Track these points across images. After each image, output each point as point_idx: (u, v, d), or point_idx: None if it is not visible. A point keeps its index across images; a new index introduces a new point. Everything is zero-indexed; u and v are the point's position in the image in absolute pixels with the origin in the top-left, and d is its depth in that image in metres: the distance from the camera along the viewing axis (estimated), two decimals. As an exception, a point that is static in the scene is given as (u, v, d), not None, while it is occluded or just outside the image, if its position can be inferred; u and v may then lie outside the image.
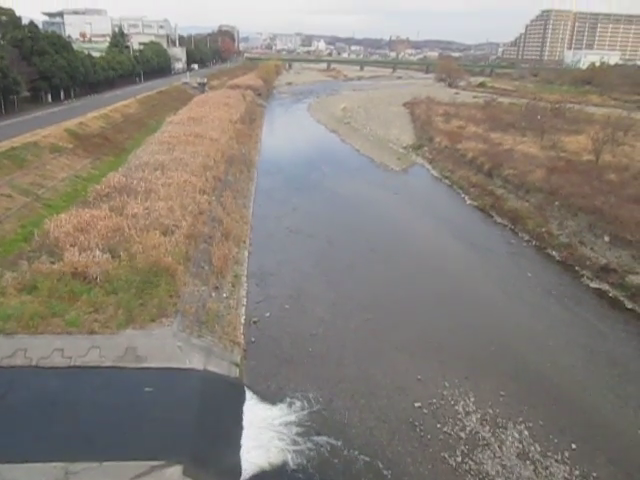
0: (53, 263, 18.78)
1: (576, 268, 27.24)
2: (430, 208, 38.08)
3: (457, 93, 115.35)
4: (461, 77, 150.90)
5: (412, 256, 29.20)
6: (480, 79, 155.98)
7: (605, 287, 25.11)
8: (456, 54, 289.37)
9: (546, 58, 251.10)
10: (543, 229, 31.36)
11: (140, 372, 14.73)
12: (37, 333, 15.47)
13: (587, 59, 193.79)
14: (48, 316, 16.06)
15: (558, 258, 28.67)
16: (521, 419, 16.06)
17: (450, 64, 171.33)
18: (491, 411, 16.37)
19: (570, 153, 45.45)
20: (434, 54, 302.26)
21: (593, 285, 25.52)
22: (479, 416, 16.13)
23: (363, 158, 53.86)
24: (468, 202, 39.09)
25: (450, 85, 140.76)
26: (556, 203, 32.63)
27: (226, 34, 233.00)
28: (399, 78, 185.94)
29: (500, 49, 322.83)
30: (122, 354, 15.16)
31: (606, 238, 27.55)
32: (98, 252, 19.60)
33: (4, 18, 64.57)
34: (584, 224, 29.54)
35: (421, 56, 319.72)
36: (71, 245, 20.02)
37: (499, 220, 34.86)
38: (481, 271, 27.49)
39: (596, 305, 23.86)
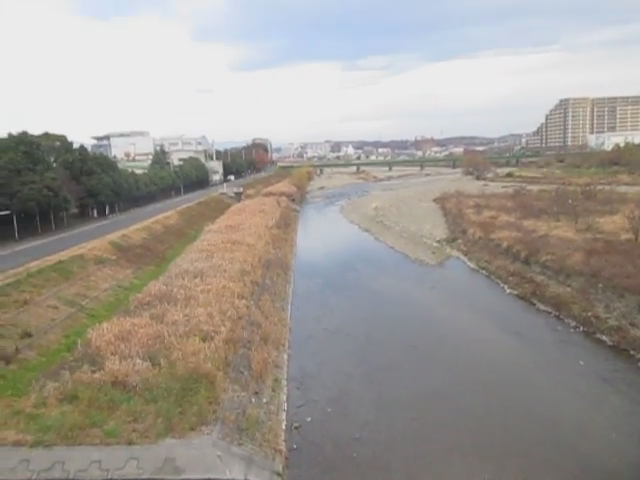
0: (94, 372, 18.95)
1: (631, 352, 25.72)
2: (470, 300, 37.36)
3: (486, 185, 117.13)
4: (488, 169, 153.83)
5: (455, 350, 28.23)
6: (507, 170, 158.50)
7: (666, 372, 23.55)
8: (480, 148, 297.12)
9: (570, 144, 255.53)
10: (589, 313, 30.18)
11: (179, 484, 14.21)
12: (75, 445, 15.27)
13: (611, 141, 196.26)
14: (87, 426, 15.95)
15: (609, 343, 27.24)
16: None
17: (476, 157, 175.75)
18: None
19: (607, 234, 44.66)
20: (459, 150, 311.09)
21: (652, 370, 23.97)
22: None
23: (398, 254, 54.12)
24: (508, 291, 38.28)
25: (478, 178, 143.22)
26: (599, 285, 31.63)
27: (260, 146, 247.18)
28: (427, 175, 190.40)
29: (523, 139, 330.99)
30: (161, 465, 14.73)
31: (658, 319, 26.26)
32: (138, 360, 19.75)
33: (58, 144, 70.78)
34: (632, 305, 28.33)
35: (447, 153, 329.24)
36: (112, 354, 20.29)
37: (542, 307, 33.81)
38: (529, 361, 26.28)
39: (659, 392, 22.26)
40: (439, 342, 29.30)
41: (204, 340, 22.39)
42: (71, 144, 73.98)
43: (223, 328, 23.94)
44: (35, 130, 64.46)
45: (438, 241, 58.42)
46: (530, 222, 53.95)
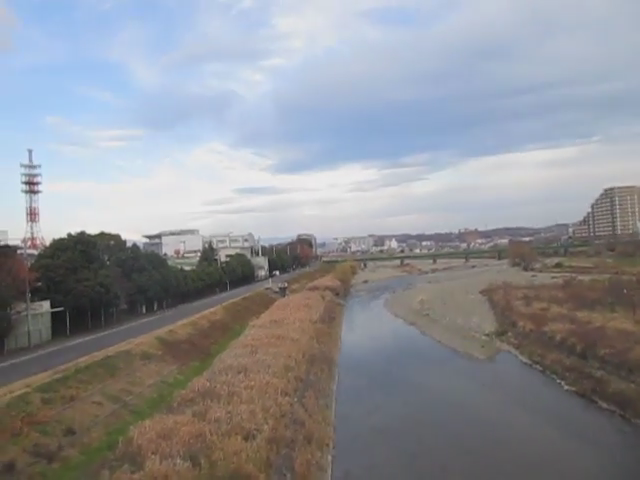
0: (133, 472, 18.46)
1: None
2: (525, 398, 35.22)
3: (534, 276, 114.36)
4: (535, 260, 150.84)
5: (513, 455, 26.15)
6: (555, 260, 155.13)
7: None
8: (526, 239, 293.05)
9: (619, 232, 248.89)
10: (659, 413, 27.84)
11: None
12: None
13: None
14: (123, 532, 15.33)
15: (685, 446, 24.84)
16: None
17: (522, 248, 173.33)
18: None
19: (671, 326, 42.12)
20: (504, 241, 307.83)
21: None
22: None
23: (445, 349, 52.41)
24: (565, 388, 35.99)
25: (525, 269, 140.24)
26: (667, 382, 29.42)
27: (304, 241, 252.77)
28: (473, 267, 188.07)
29: (570, 229, 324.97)
30: None
31: None
32: (179, 460, 19.17)
33: (112, 242, 74.47)
34: None
35: (491, 244, 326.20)
36: (153, 453, 19.81)
37: (605, 405, 31.40)
38: (597, 469, 24.08)
39: None
40: (495, 446, 27.34)
41: (246, 439, 21.75)
42: (124, 242, 77.78)
43: (266, 426, 23.31)
44: (92, 229, 68.57)
45: (487, 334, 56.43)
46: (584, 313, 51.66)
